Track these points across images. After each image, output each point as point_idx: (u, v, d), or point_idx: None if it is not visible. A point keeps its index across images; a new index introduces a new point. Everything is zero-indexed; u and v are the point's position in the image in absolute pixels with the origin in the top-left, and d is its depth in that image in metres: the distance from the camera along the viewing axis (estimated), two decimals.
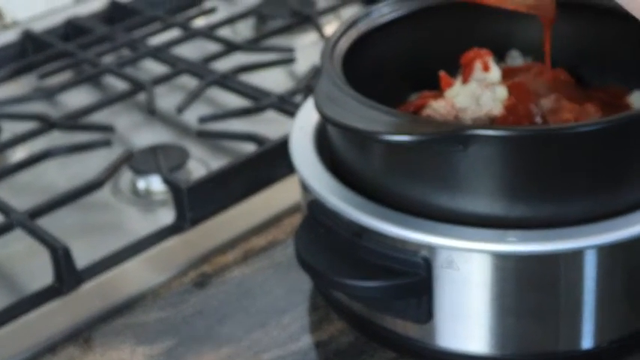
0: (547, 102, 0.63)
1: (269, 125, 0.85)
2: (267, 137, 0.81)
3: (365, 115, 0.57)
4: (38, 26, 1.08)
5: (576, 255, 0.57)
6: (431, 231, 0.57)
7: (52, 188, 0.81)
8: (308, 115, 0.68)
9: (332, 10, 1.07)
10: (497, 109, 0.62)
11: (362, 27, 0.68)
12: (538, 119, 0.62)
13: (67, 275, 0.70)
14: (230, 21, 1.06)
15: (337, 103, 0.58)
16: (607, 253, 0.57)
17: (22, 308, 0.69)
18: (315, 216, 0.62)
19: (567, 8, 0.69)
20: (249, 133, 0.83)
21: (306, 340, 0.65)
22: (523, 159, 0.56)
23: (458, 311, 0.59)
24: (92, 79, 0.98)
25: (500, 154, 0.56)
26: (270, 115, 0.87)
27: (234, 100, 0.92)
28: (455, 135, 0.55)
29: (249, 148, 0.82)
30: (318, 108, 0.59)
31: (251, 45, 1.00)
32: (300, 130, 0.67)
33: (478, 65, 0.67)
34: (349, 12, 1.07)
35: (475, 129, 0.56)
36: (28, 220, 0.74)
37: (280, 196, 0.77)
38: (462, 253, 0.57)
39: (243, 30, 1.09)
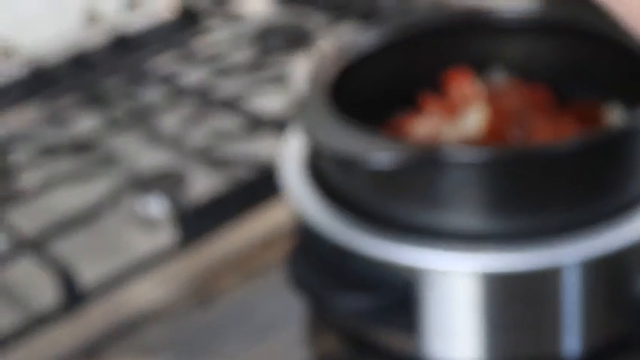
0: (526, 120, 0.65)
1: (269, 147, 0.87)
2: (265, 159, 0.83)
3: (345, 138, 0.59)
4: (43, 53, 1.10)
5: (558, 269, 0.58)
6: (416, 251, 0.59)
7: (58, 212, 0.83)
8: (298, 137, 0.70)
9: (330, 28, 1.08)
10: (476, 128, 0.64)
11: (349, 49, 0.69)
12: (517, 137, 0.63)
13: (72, 296, 0.73)
14: (229, 42, 1.08)
15: (320, 125, 0.60)
16: (589, 266, 0.59)
17: (27, 329, 0.71)
18: (305, 237, 0.64)
19: (547, 29, 0.71)
20: (248, 156, 0.86)
21: (302, 355, 0.67)
22: (499, 179, 0.58)
23: (445, 326, 0.61)
24: (95, 104, 1.00)
25: (476, 174, 0.57)
26: (270, 136, 0.89)
27: (233, 122, 0.93)
28: (430, 158, 0.57)
29: (249, 170, 0.84)
30: (307, 131, 0.61)
31: (250, 66, 1.02)
32: (290, 151, 0.69)
33: (459, 84, 0.68)
34: (346, 30, 1.08)
35: (450, 151, 0.57)
36: (35, 244, 0.77)
37: (278, 216, 0.79)
38: (446, 272, 0.59)
39: (242, 50, 1.10)
